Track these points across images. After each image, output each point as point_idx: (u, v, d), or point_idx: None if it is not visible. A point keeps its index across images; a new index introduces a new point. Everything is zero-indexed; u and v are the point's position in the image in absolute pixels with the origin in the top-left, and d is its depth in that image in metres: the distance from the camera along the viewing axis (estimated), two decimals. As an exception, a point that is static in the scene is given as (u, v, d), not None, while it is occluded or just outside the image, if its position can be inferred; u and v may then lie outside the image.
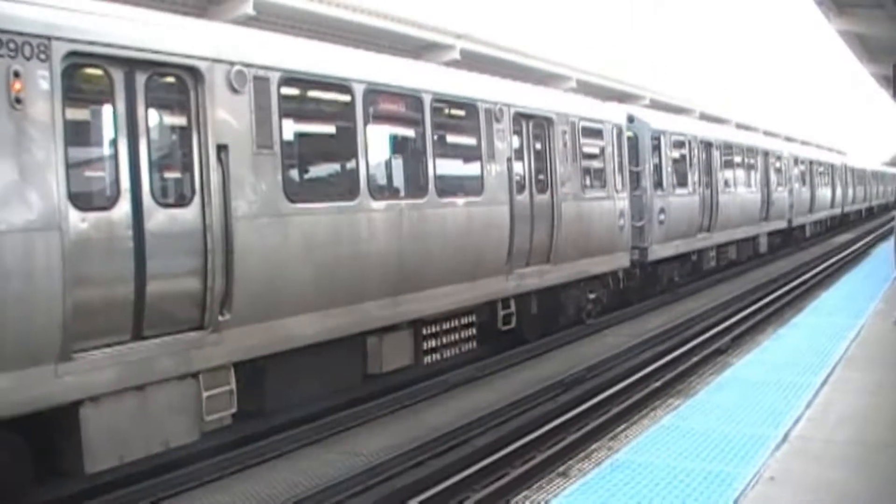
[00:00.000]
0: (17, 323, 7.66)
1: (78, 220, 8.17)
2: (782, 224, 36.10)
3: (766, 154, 33.59)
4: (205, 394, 9.44)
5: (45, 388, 7.92)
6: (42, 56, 7.90)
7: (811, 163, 42.57)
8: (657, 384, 13.97)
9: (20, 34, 7.76)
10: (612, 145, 19.01)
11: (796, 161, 39.00)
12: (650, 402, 13.00)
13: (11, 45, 7.68)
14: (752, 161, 31.64)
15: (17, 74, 7.68)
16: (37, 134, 7.83)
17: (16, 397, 7.70)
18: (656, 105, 42.77)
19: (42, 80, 7.89)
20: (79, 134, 8.83)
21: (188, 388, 9.36)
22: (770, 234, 34.34)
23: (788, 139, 57.83)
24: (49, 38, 7.98)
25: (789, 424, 8.49)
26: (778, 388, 9.96)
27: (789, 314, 19.32)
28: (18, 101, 7.68)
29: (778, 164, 35.49)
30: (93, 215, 8.39)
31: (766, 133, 56.18)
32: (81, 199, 8.38)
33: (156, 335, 8.94)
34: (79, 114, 8.86)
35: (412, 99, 12.97)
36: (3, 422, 7.79)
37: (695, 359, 15.94)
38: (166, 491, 9.41)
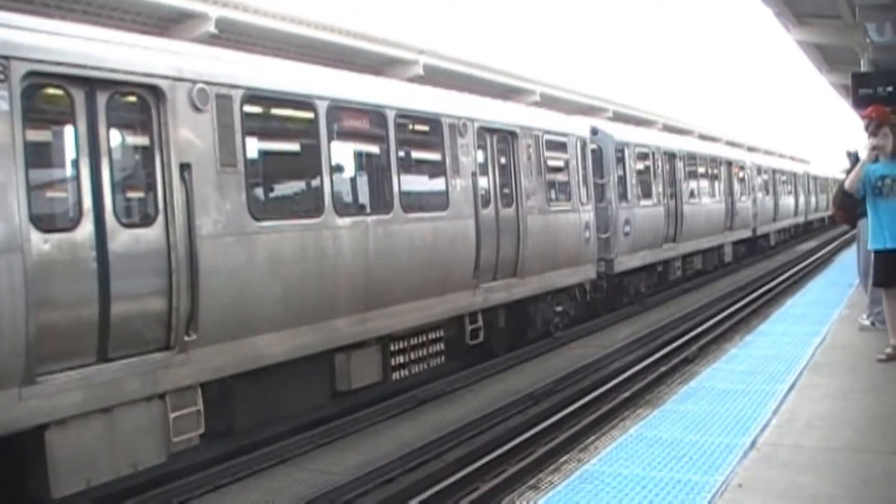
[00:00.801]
0: (-20, 347, 7.57)
1: (40, 242, 8.09)
2: (747, 233, 36.38)
3: (729, 164, 33.85)
4: (172, 415, 9.35)
5: (9, 412, 7.82)
6: (1, 76, 7.83)
7: (774, 172, 42.94)
8: (626, 395, 14.01)
9: (-23, 54, 7.69)
10: (577, 158, 19.09)
11: (759, 170, 39.33)
12: (619, 413, 13.03)
13: (-31, 67, 7.61)
14: (715, 171, 31.88)
15: (-25, 96, 7.62)
16: (-4, 155, 7.75)
17: (-21, 422, 7.61)
18: (620, 117, 43.01)
19: (1, 101, 7.81)
20: (39, 154, 8.76)
21: (155, 409, 9.27)
22: (735, 243, 34.60)
23: (751, 149, 58.23)
24: (7, 58, 7.91)
25: (757, 431, 8.50)
26: (745, 396, 9.99)
27: (755, 322, 19.42)
28: (-23, 122, 7.62)
29: (741, 174, 35.76)
30: (55, 236, 8.32)
31: (729, 143, 56.59)
32: (43, 221, 8.32)
33: (121, 356, 8.85)
34: (39, 134, 8.80)
35: (376, 115, 12.96)
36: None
37: (662, 368, 16.00)
38: (134, 513, 9.33)
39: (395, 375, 13.54)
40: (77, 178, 8.66)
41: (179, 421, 9.44)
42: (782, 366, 11.43)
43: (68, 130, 8.80)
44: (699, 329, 19.92)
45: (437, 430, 12.07)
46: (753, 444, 8.16)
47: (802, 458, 7.70)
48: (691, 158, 29.07)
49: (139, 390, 9.04)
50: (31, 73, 8.13)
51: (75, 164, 8.68)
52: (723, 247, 32.87)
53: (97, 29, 9.80)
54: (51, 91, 8.69)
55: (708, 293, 27.28)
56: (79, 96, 8.65)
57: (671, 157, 26.63)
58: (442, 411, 13.42)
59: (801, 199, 50.72)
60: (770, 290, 26.92)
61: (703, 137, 53.23)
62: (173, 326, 9.36)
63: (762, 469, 7.47)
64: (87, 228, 8.58)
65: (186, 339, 9.46)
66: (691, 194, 28.45)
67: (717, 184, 32.01)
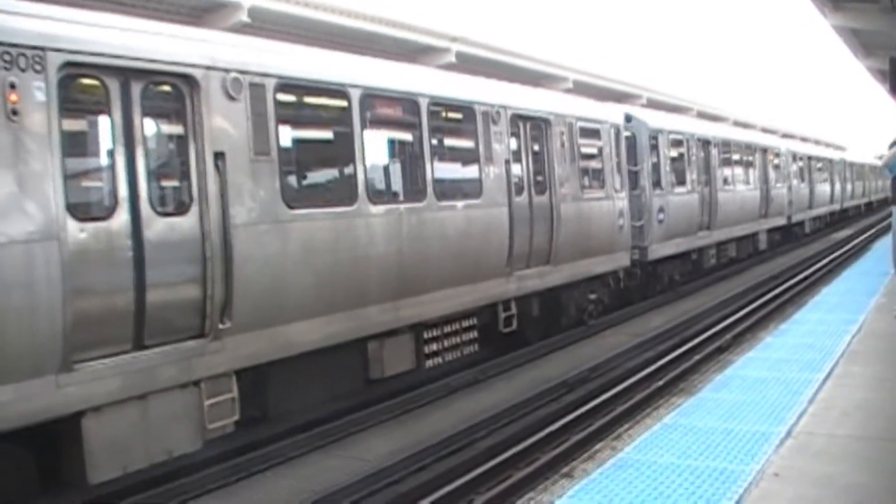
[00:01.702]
0: (18, 334, 7.66)
1: (76, 231, 8.16)
2: (781, 221, 36.10)
3: (764, 151, 33.60)
4: (207, 402, 9.43)
5: (47, 399, 7.91)
6: (37, 67, 7.90)
7: (809, 158, 42.57)
8: (659, 383, 13.98)
9: (15, 46, 7.75)
10: (610, 145, 19.01)
11: (794, 157, 39.00)
12: (653, 401, 13.01)
13: (6, 57, 7.68)
14: (750, 158, 31.65)
15: (12, 86, 7.68)
16: (34, 145, 7.82)
17: (18, 409, 7.69)
18: (654, 104, 42.72)
19: (38, 92, 7.89)
20: (75, 144, 8.83)
21: (190, 396, 9.35)
22: (769, 230, 34.34)
23: (786, 135, 57.76)
24: (44, 49, 7.97)
25: (792, 421, 8.47)
26: (780, 385, 9.94)
27: (790, 310, 19.30)
28: (15, 112, 7.68)
29: (776, 161, 35.49)
30: (91, 225, 8.39)
31: (764, 130, 56.11)
32: (79, 210, 8.37)
33: (157, 344, 8.93)
34: (75, 124, 8.86)
35: (409, 102, 12.96)
36: (6, 434, 7.79)
37: (696, 357, 15.94)
38: (170, 500, 9.38)
39: (429, 363, 13.56)
40: (112, 167, 8.73)
41: (214, 408, 9.51)
42: (818, 354, 11.37)
43: (103, 120, 8.86)
44: (733, 317, 19.83)
45: (469, 418, 12.07)
46: (789, 433, 8.13)
47: (838, 448, 7.67)
48: (726, 145, 28.87)
49: (174, 378, 9.12)
50: (67, 64, 8.20)
51: (110, 153, 8.74)
52: (757, 234, 32.63)
53: (131, 19, 9.85)
54: (86, 81, 8.73)
55: (742, 281, 27.12)
56: (114, 86, 8.71)
57: (705, 143, 26.46)
58: (475, 399, 13.42)
59: (837, 187, 50.29)
60: (805, 278, 26.73)
61: (737, 124, 52.89)
62: (208, 314, 9.42)
63: (798, 458, 7.45)
64: (122, 217, 8.64)
65: (221, 326, 9.52)
66: (726, 181, 28.25)
67: (751, 171, 31.77)
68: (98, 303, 8.38)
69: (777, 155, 35.89)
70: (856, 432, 8.10)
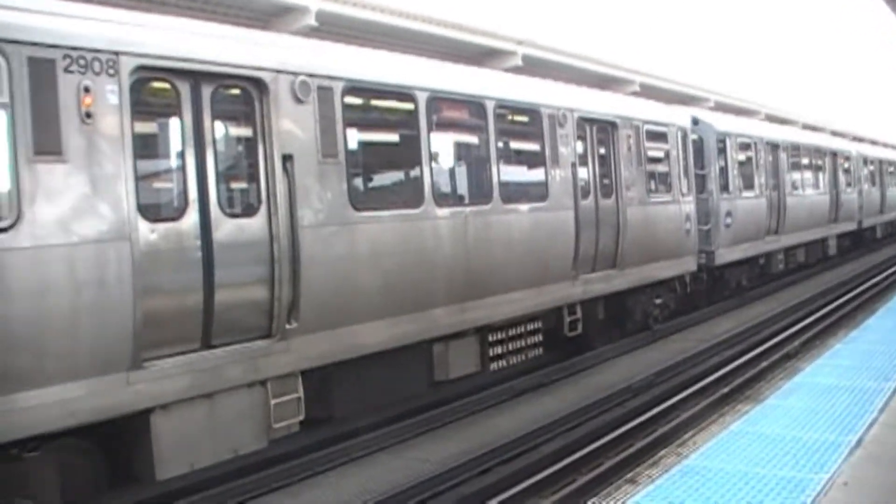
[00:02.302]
0: (90, 332, 7.80)
1: (147, 231, 8.30)
2: (852, 226, 35.53)
3: (833, 154, 33.12)
4: (273, 401, 9.52)
5: (117, 396, 8.05)
6: (111, 71, 8.04)
7: (881, 162, 41.88)
8: (725, 390, 13.82)
9: (89, 50, 7.90)
10: (677, 148, 18.86)
11: (865, 161, 38.39)
12: (719, 408, 12.86)
13: (81, 62, 7.83)
14: (819, 162, 31.20)
15: (87, 90, 7.83)
16: (106, 147, 7.97)
17: (89, 405, 7.83)
18: (721, 107, 42.36)
19: (111, 95, 8.03)
20: (147, 146, 8.97)
21: (256, 395, 9.44)
22: (839, 236, 33.81)
23: (857, 139, 56.85)
24: (117, 54, 8.11)
25: (863, 429, 8.34)
26: (850, 393, 9.80)
27: (860, 317, 19.00)
28: (89, 115, 7.83)
29: (846, 165, 34.97)
30: (161, 226, 8.52)
31: (834, 133, 55.33)
32: (150, 211, 8.51)
33: (224, 344, 9.04)
34: (147, 127, 9.00)
35: (475, 105, 12.97)
36: (77, 429, 7.93)
37: (764, 364, 15.75)
38: (236, 497, 9.50)
39: (494, 366, 13.53)
40: (182, 169, 8.86)
41: (280, 408, 9.58)
42: (889, 362, 11.19)
43: (174, 123, 8.98)
44: (802, 324, 19.55)
45: (534, 422, 12.05)
46: (859, 442, 8.01)
47: (910, 458, 7.54)
48: (794, 149, 28.49)
49: (241, 377, 9.22)
50: (139, 68, 8.33)
51: (181, 155, 8.87)
52: (827, 240, 32.14)
53: (201, 23, 10.00)
54: (157, 84, 8.87)
55: (811, 287, 26.75)
56: (184, 89, 8.84)
57: (774, 147, 26.14)
58: (539, 403, 13.39)
59: (911, 191, 49.35)
60: (875, 284, 26.32)
61: (806, 127, 52.15)
62: (275, 315, 9.51)
63: (868, 468, 7.34)
64: (192, 218, 8.76)
65: (288, 327, 9.61)
66: (794, 186, 27.87)
67: (821, 175, 31.31)
68: (168, 302, 8.52)
69: (847, 158, 35.35)
70: (929, 442, 7.96)
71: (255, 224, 9.39)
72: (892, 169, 44.32)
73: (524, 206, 13.71)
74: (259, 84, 9.52)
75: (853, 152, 37.09)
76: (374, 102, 11.74)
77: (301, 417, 9.90)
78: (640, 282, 17.21)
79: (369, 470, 10.50)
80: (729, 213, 22.25)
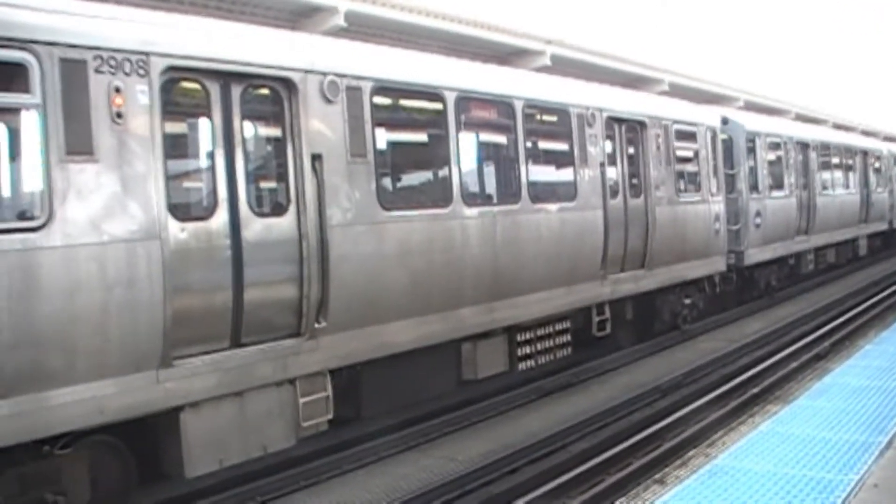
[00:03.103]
0: (121, 330, 7.85)
1: (177, 230, 8.35)
2: (883, 226, 35.28)
3: (864, 154, 32.89)
4: (301, 400, 9.56)
5: (148, 394, 8.11)
6: (141, 72, 8.10)
7: (914, 162, 41.52)
8: (755, 390, 13.74)
9: (120, 51, 7.96)
10: (707, 148, 18.78)
11: (896, 160, 38.10)
12: (748, 409, 12.80)
13: (112, 63, 7.89)
14: (850, 161, 30.98)
15: (117, 90, 7.89)
16: (137, 147, 8.02)
17: (120, 403, 7.90)
18: (751, 106, 42.06)
19: (141, 95, 8.09)
20: (177, 146, 9.02)
21: (285, 394, 9.49)
22: (870, 236, 33.56)
23: (888, 138, 56.38)
24: (147, 55, 8.17)
25: (893, 430, 8.28)
26: (880, 394, 9.73)
27: (891, 318, 18.87)
28: (119, 115, 7.89)
29: (877, 164, 34.72)
30: (191, 225, 8.58)
31: (865, 133, 54.89)
32: (180, 210, 8.57)
33: (253, 342, 9.08)
34: (176, 127, 9.06)
35: (504, 105, 12.97)
36: (107, 427, 8.00)
37: (793, 364, 15.65)
38: (264, 495, 9.56)
39: (522, 366, 13.54)
40: (212, 168, 8.91)
41: (308, 406, 9.62)
42: (921, 363, 11.10)
43: (204, 123, 9.04)
44: (832, 324, 19.42)
45: (562, 422, 12.04)
46: (890, 443, 7.96)
47: (942, 460, 7.49)
48: (825, 148, 28.31)
49: (270, 375, 9.26)
50: (169, 68, 8.39)
51: (210, 155, 8.93)
52: (857, 240, 31.90)
53: (230, 24, 10.06)
54: (187, 85, 8.93)
55: (841, 287, 26.57)
56: (214, 89, 8.89)
57: (804, 146, 25.98)
58: (568, 402, 13.38)
59: (944, 191, 48.88)
60: (907, 284, 26.08)
61: (837, 127, 51.76)
62: (304, 314, 9.55)
63: (899, 469, 7.29)
64: (221, 217, 8.81)
65: (316, 326, 9.64)
66: (824, 185, 27.69)
67: (851, 174, 31.09)
68: (197, 301, 8.57)
69: (878, 158, 35.10)
70: (960, 444, 7.90)
71: (284, 223, 9.43)
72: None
73: (553, 206, 13.70)
74: (288, 84, 9.55)
75: (884, 151, 36.82)
76: (403, 102, 11.76)
77: (329, 416, 9.94)
78: (668, 282, 17.16)
79: (397, 468, 10.52)
80: (758, 213, 22.13)
